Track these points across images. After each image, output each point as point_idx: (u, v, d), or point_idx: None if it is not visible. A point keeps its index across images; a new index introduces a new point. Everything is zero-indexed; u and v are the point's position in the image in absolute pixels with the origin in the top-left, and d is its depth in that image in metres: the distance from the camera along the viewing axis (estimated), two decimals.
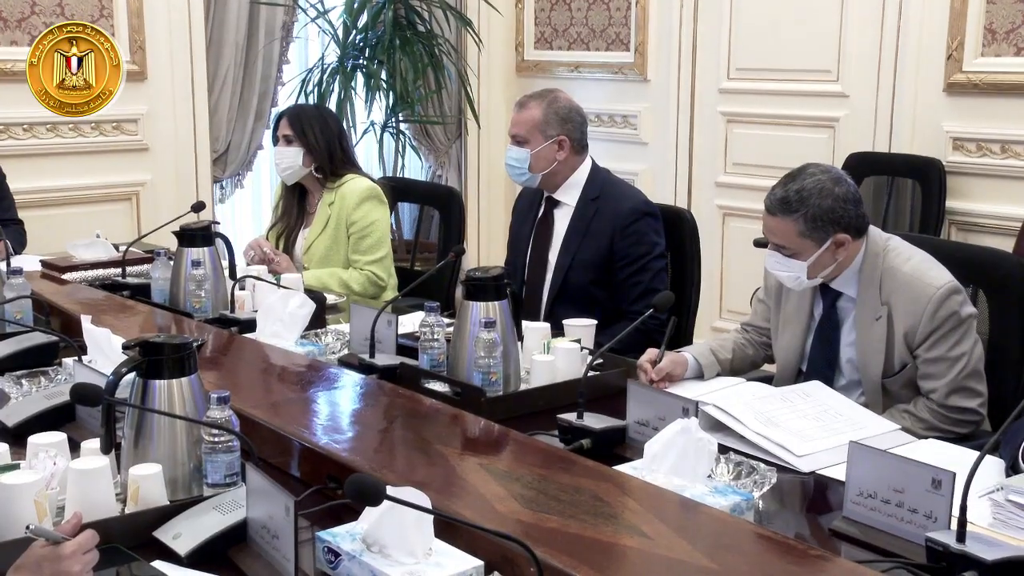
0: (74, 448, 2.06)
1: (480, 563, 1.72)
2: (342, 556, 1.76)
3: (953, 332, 2.53)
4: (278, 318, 3.02)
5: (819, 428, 2.36)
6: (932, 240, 3.36)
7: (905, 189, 4.74)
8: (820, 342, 2.74)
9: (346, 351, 2.97)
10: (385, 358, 2.76)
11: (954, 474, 1.84)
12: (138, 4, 5.13)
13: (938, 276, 2.56)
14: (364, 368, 2.73)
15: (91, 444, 2.02)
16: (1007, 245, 4.01)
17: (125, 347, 2.27)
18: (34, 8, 4.90)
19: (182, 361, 2.05)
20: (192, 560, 1.82)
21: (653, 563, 1.71)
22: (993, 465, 2.10)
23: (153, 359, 2.03)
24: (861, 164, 4.68)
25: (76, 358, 2.60)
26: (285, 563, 1.76)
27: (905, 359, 2.59)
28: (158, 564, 1.80)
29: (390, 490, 1.63)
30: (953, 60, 4.55)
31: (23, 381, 2.60)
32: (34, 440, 2.02)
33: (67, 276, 3.78)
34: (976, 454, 1.88)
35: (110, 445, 2.02)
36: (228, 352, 2.97)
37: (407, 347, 2.86)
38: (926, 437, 2.42)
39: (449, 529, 1.77)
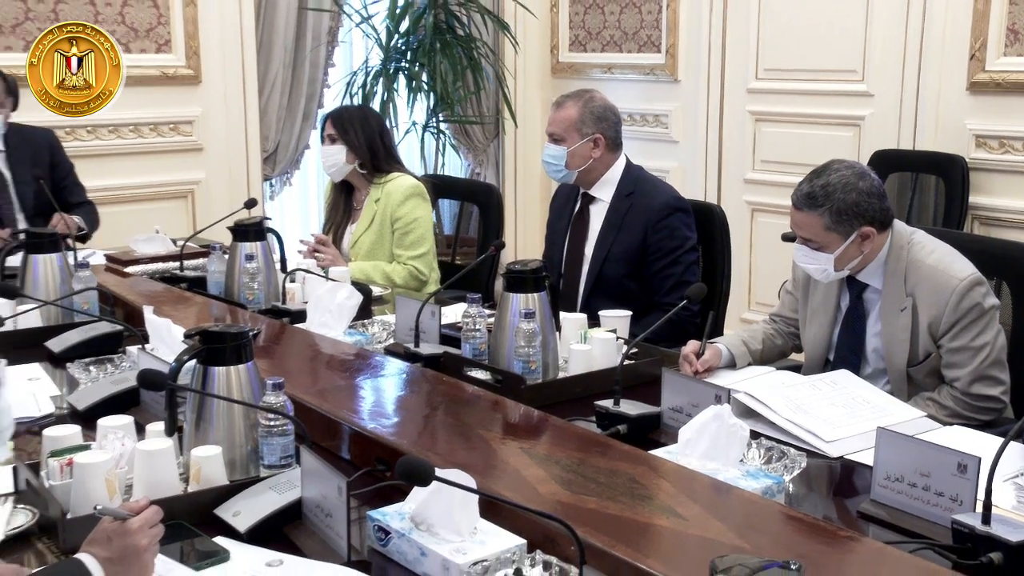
0: (139, 430, 2.08)
1: (523, 542, 1.73)
2: (392, 534, 1.78)
3: (976, 322, 2.52)
4: (327, 309, 3.04)
5: (847, 415, 2.36)
6: (956, 234, 3.33)
7: (929, 185, 4.69)
8: (847, 332, 2.73)
9: (392, 340, 2.99)
10: (429, 347, 2.78)
11: (979, 459, 1.83)
12: (193, 12, 5.18)
13: (961, 268, 2.55)
14: (409, 357, 2.75)
15: (155, 427, 2.05)
16: None
17: (187, 335, 2.30)
18: (97, 17, 4.94)
19: (240, 349, 2.07)
20: (251, 536, 1.84)
21: (688, 542, 1.72)
22: (1017, 451, 2.09)
23: (213, 347, 2.06)
24: (886, 161, 4.65)
25: (139, 346, 2.64)
26: (338, 540, 1.78)
27: (929, 348, 2.57)
28: (219, 540, 1.82)
29: (438, 472, 1.65)
30: (976, 60, 4.50)
31: (91, 367, 2.64)
32: (103, 423, 2.04)
33: (129, 269, 3.82)
34: (998, 440, 1.88)
35: (173, 428, 2.05)
36: (280, 341, 2.99)
37: (450, 337, 2.87)
38: (950, 424, 2.41)
39: (493, 509, 1.78)
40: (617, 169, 3.38)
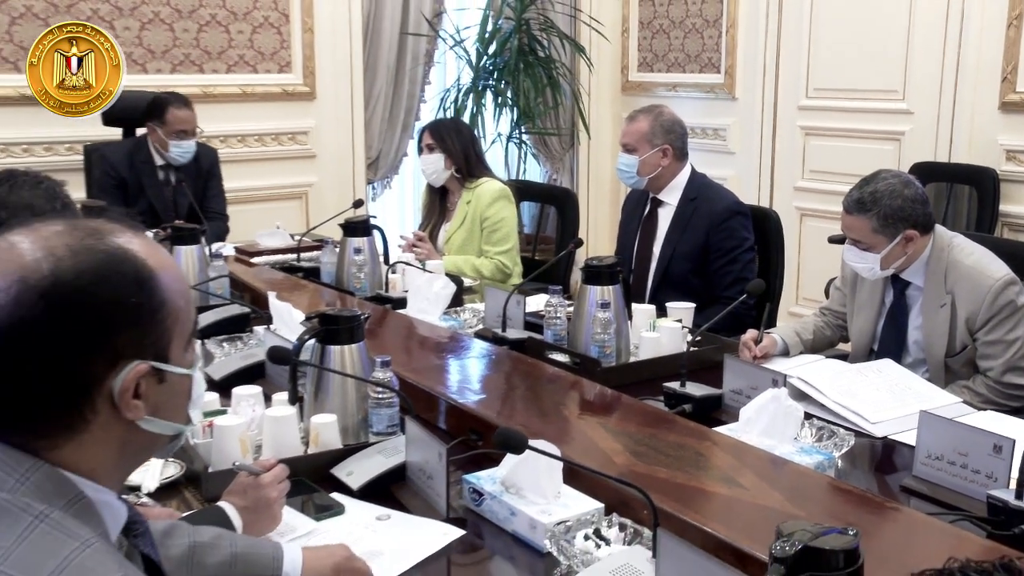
0: (266, 399, 2.13)
1: (601, 505, 1.73)
2: (485, 495, 1.79)
3: (1010, 318, 2.47)
4: (425, 297, 3.06)
5: (890, 399, 2.32)
6: (991, 238, 3.25)
7: (963, 194, 4.59)
8: (890, 325, 2.68)
9: (481, 326, 3.00)
10: (515, 332, 2.78)
11: (1013, 441, 1.81)
12: (310, 38, 5.24)
13: (997, 269, 2.50)
14: (497, 340, 2.76)
15: (280, 396, 2.09)
16: None
17: (307, 318, 2.34)
18: (231, 43, 5.03)
19: (352, 331, 2.11)
20: (362, 493, 1.87)
21: (749, 510, 1.71)
22: None
23: (330, 328, 2.09)
24: (923, 172, 4.52)
25: (265, 326, 2.69)
26: (438, 499, 1.81)
27: (965, 341, 2.52)
28: (335, 495, 1.86)
29: (530, 441, 1.66)
30: (1007, 82, 4.39)
31: (224, 344, 2.69)
32: (237, 391, 2.10)
33: (255, 260, 3.88)
34: None
35: (295, 398, 2.09)
36: (384, 325, 3.01)
37: (533, 323, 2.88)
38: (984, 409, 2.36)
39: (574, 476, 1.78)
40: (683, 176, 3.34)
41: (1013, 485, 1.74)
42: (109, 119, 4.52)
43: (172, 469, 1.92)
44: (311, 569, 1.47)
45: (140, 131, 4.42)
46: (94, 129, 4.53)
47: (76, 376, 0.98)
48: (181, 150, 4.22)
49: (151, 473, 1.87)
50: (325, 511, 1.80)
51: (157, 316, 1.02)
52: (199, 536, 1.43)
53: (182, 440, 1.11)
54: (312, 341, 2.11)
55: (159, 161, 4.27)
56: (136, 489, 1.83)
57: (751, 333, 2.65)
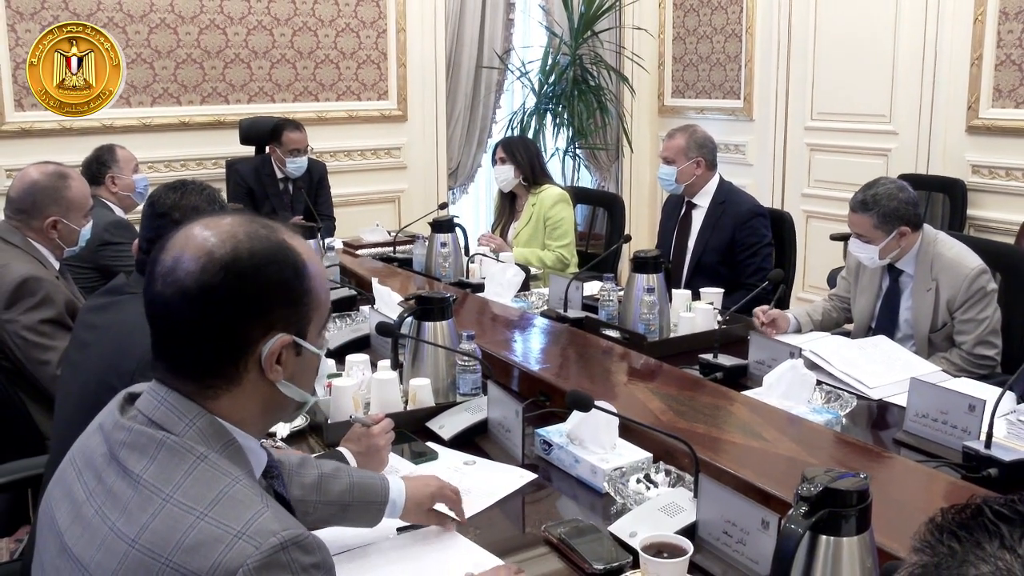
0: (372, 365, 2.14)
1: (649, 455, 1.72)
2: (553, 446, 1.79)
3: (980, 301, 2.44)
4: (499, 283, 3.06)
5: (885, 369, 2.28)
6: (964, 236, 3.18)
7: (938, 200, 4.50)
8: (885, 307, 2.64)
9: (546, 307, 2.97)
10: (574, 312, 2.76)
11: (984, 401, 1.81)
12: (404, 71, 5.24)
13: (972, 260, 2.47)
14: (559, 319, 2.74)
15: (384, 363, 2.11)
16: (1010, 241, 3.87)
17: (405, 299, 2.35)
18: (340, 77, 5.06)
19: (443, 310, 2.11)
20: (452, 443, 1.88)
21: (772, 458, 1.69)
22: (1009, 397, 2.00)
23: (425, 308, 2.10)
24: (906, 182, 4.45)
25: (369, 306, 2.70)
26: (515, 449, 1.81)
27: (945, 319, 2.49)
28: (430, 444, 1.87)
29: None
30: (972, 110, 4.32)
31: (336, 320, 2.68)
32: (349, 359, 2.11)
33: (359, 252, 3.90)
34: (993, 389, 1.90)
35: (396, 364, 2.10)
36: (465, 305, 3.01)
37: (589, 305, 2.86)
38: (958, 376, 2.32)
39: (626, 430, 1.77)
40: (713, 183, 3.28)
41: (983, 437, 1.75)
42: (245, 139, 4.62)
43: (300, 420, 1.93)
44: (412, 497, 1.47)
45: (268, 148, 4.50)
46: (234, 147, 4.62)
47: (238, 336, 1.00)
48: (296, 165, 4.32)
49: (283, 423, 1.90)
50: (422, 456, 1.81)
51: (304, 300, 1.04)
52: (324, 467, 1.46)
53: (306, 408, 1.12)
54: (410, 318, 2.12)
55: (279, 174, 4.37)
56: (273, 435, 1.86)
57: (763, 307, 2.63)
